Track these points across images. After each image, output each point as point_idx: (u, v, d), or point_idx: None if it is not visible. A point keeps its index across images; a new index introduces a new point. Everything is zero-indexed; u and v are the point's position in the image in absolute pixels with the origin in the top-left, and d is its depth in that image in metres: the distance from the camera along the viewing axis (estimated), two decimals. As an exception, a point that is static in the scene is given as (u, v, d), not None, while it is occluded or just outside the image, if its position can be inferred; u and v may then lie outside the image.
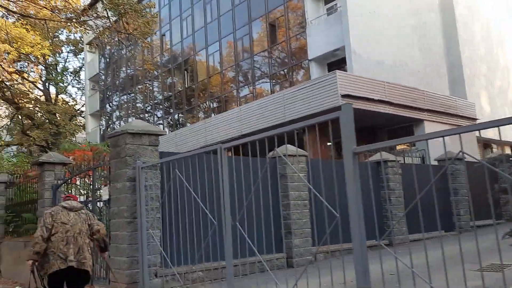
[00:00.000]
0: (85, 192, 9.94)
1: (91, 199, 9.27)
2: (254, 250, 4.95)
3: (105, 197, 7.62)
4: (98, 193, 8.17)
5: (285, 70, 21.72)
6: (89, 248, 5.08)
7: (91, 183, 10.25)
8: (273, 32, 22.21)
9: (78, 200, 5.97)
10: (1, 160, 39.41)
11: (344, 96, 15.06)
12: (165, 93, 31.73)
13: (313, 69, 19.61)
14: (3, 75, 31.68)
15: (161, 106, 32.56)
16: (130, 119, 35.86)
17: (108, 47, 39.00)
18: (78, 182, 10.04)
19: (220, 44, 25.49)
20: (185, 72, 29.52)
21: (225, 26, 24.92)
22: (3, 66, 27.48)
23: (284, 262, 7.66)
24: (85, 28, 16.59)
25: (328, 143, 14.34)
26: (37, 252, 4.80)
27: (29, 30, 26.09)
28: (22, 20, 20.33)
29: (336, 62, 19.49)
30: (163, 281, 6.51)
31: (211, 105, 27.01)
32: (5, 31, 20.84)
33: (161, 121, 32.18)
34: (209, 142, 20.48)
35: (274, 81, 22.16)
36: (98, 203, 8.02)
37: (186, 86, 29.21)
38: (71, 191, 9.67)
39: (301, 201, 8.38)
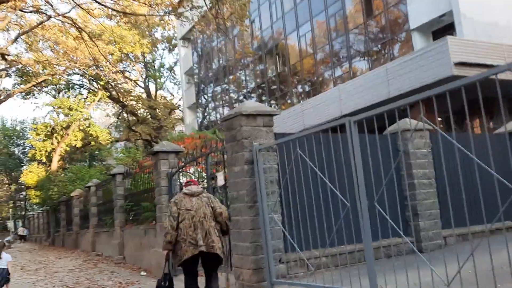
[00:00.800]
0: (197, 179, 10.05)
1: (205, 185, 9.33)
2: (395, 232, 4.41)
3: (220, 182, 7.54)
4: (213, 179, 8.12)
5: (383, 44, 20.39)
6: (216, 230, 5.06)
7: (201, 170, 10.36)
8: (368, 4, 20.94)
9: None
10: (114, 153, 42.80)
11: (457, 64, 13.63)
12: (258, 80, 31.79)
13: (416, 39, 18.10)
14: (109, 76, 34.10)
15: (253, 95, 32.72)
16: (224, 110, 36.66)
17: (200, 40, 40.15)
18: (191, 170, 10.17)
19: (311, 24, 24.74)
20: (277, 57, 29.24)
21: (315, 4, 24.10)
22: (109, 67, 29.51)
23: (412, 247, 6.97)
24: (181, 20, 16.97)
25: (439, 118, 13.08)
26: (170, 242, 4.86)
27: (129, 29, 27.64)
28: (123, 17, 21.46)
29: (441, 29, 17.78)
30: (287, 267, 6.24)
31: (305, 88, 26.46)
32: (111, 32, 22.21)
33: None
34: (307, 125, 20.02)
35: (372, 57, 20.95)
36: (214, 189, 7.97)
37: (278, 71, 28.94)
38: (184, 179, 9.81)
39: (427, 180, 7.58)
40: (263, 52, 30.48)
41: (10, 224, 52.65)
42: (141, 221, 11.16)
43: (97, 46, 19.08)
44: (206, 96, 40.46)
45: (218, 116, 37.39)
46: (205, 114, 40.77)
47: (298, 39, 26.28)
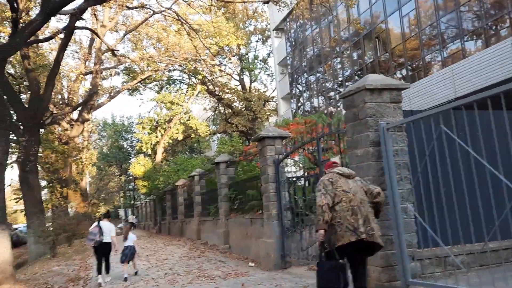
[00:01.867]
0: (306, 165, 9.48)
1: (314, 172, 8.71)
2: None
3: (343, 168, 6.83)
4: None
5: (503, 17, 17.96)
6: (373, 217, 4.49)
7: (308, 156, 9.74)
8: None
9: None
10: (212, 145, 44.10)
11: None
12: (354, 67, 30.32)
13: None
14: (207, 69, 34.93)
15: (347, 83, 31.29)
16: (318, 99, 35.69)
17: (293, 30, 39.54)
18: (296, 158, 9.61)
19: (416, 2, 22.77)
20: (376, 40, 27.55)
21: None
22: (207, 60, 30.16)
23: None
24: (280, 5, 16.50)
25: None
26: (326, 221, 4.30)
27: (226, 22, 27.92)
28: (220, 9, 21.62)
29: None
30: (421, 266, 5.38)
31: (408, 72, 24.54)
32: (210, 24, 22.52)
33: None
34: (414, 109, 18.40)
35: (487, 34, 18.60)
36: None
37: (378, 54, 27.25)
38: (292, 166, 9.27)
39: None
40: (361, 37, 28.94)
41: (121, 212, 57.01)
42: (246, 210, 10.88)
43: (199, 37, 19.22)
44: (300, 86, 39.81)
45: (313, 105, 36.51)
46: (299, 104, 40.16)
47: (400, 20, 24.41)
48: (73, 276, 10.22)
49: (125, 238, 9.70)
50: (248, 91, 41.94)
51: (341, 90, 32.27)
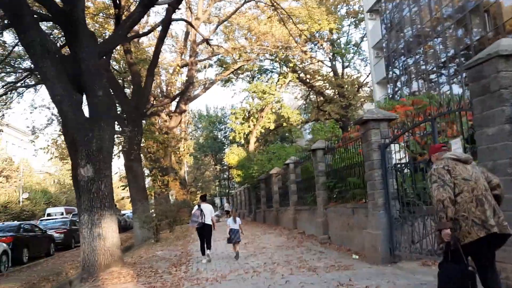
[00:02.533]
0: (415, 150, 8.59)
1: (424, 158, 7.81)
2: None
3: (458, 151, 5.95)
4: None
5: None
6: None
7: (417, 140, 8.83)
8: None
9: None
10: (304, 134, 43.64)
11: None
12: (460, 46, 27.64)
13: None
14: (298, 56, 34.39)
15: (451, 64, 28.64)
16: (418, 82, 33.37)
17: (389, 11, 37.36)
18: (401, 143, 8.73)
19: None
20: (485, 15, 24.80)
21: None
22: (298, 47, 29.60)
23: None
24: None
25: None
26: (451, 218, 3.70)
27: (317, 7, 27.10)
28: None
29: None
30: None
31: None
32: (303, 8, 21.96)
33: (453, 80, 28.36)
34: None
35: None
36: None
37: (488, 30, 24.51)
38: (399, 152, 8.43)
39: None
40: (467, 13, 26.25)
41: (217, 200, 59.06)
42: (347, 199, 10.24)
43: (292, 20, 18.79)
44: (397, 70, 37.55)
45: (412, 89, 34.20)
46: (396, 89, 37.94)
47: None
48: (175, 261, 10.43)
49: (234, 221, 10.45)
50: (340, 77, 40.68)
51: (443, 72, 29.76)
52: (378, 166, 8.17)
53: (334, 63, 42.88)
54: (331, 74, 41.62)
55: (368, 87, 45.43)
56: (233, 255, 10.28)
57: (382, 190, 8.10)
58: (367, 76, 44.83)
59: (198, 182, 59.45)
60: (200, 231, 10.38)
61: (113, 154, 10.60)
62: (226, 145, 57.40)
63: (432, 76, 31.06)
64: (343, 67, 43.42)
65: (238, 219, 10.66)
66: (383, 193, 8.09)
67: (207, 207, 10.57)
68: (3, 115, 20.80)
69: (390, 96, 37.45)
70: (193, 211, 10.66)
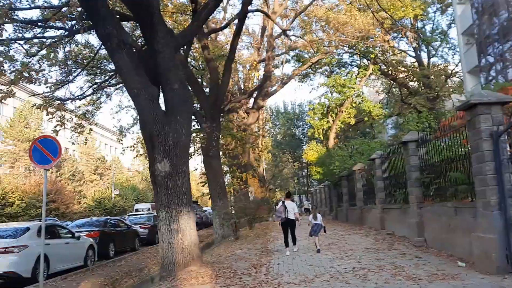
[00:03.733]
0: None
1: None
2: None
3: None
4: None
5: None
6: None
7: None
8: None
9: None
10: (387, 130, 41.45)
11: None
12: None
13: None
14: (379, 47, 32.56)
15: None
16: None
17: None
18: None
19: None
20: None
21: None
22: (379, 38, 27.89)
23: None
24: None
25: None
26: None
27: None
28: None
29: None
30: None
31: None
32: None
33: None
34: None
35: None
36: None
37: None
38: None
39: None
40: None
41: (296, 198, 58.34)
42: (448, 196, 8.95)
43: (375, 11, 17.53)
44: (490, 57, 34.08)
45: (508, 78, 30.79)
46: (489, 78, 34.46)
47: None
48: (255, 261, 9.85)
49: (315, 218, 11.27)
50: (426, 67, 37.95)
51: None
52: (490, 158, 6.91)
53: (418, 52, 40.08)
54: (416, 64, 38.99)
55: (457, 77, 41.95)
56: (314, 249, 10.84)
57: (495, 186, 6.84)
58: (456, 65, 41.43)
59: (277, 180, 59.17)
60: (284, 225, 11.16)
61: (190, 150, 10.23)
62: (304, 142, 56.44)
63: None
64: (429, 57, 40.45)
65: (319, 215, 11.48)
66: (496, 190, 6.83)
67: (290, 204, 11.37)
68: (93, 115, 21.79)
69: (483, 85, 34.20)
70: (277, 207, 11.67)
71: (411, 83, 38.82)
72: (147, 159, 30.15)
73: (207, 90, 22.15)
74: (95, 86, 19.08)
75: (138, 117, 23.77)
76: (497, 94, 7.18)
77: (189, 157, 10.24)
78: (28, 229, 10.81)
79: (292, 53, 33.36)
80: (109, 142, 67.96)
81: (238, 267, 9.18)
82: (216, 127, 17.09)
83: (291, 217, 11.08)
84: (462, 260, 7.80)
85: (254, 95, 25.31)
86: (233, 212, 15.33)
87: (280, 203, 11.41)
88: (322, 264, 8.89)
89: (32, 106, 18.78)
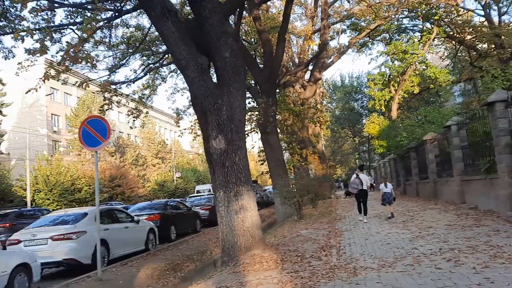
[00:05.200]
0: None
1: None
2: None
3: None
4: None
5: None
6: None
7: None
8: None
9: None
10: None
11: None
12: None
13: None
14: (443, 7, 29.87)
15: None
16: None
17: None
18: None
19: None
20: None
21: None
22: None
23: None
24: None
25: None
26: None
27: None
28: None
29: None
30: None
31: None
32: None
33: None
34: None
35: None
36: None
37: None
38: None
39: None
40: None
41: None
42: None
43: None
44: None
45: None
46: None
47: None
48: (324, 243, 8.98)
49: (386, 186, 12.59)
50: (497, 26, 34.50)
51: None
52: None
53: (488, 10, 36.54)
54: (485, 24, 35.58)
55: (536, 35, 37.84)
56: (386, 218, 11.87)
57: None
58: (533, 22, 37.39)
59: (336, 156, 57.48)
60: (358, 196, 12.50)
61: (247, 128, 9.44)
62: (364, 116, 54.18)
63: None
64: (500, 14, 36.82)
65: (389, 184, 12.77)
66: None
67: (363, 176, 12.74)
68: (149, 98, 21.67)
69: None
70: (351, 179, 12.89)
71: (480, 44, 35.63)
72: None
73: (261, 66, 21.28)
74: (147, 68, 18.78)
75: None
76: None
77: (246, 134, 9.45)
78: (86, 214, 10.59)
79: (348, 22, 31.54)
80: (168, 127, 69.32)
81: (305, 250, 8.37)
82: (273, 101, 16.21)
83: (365, 188, 12.44)
84: None
85: (310, 67, 24.08)
86: (294, 190, 14.50)
87: (354, 176, 12.73)
88: (401, 245, 7.85)
89: (92, 93, 18.90)
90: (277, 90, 18.58)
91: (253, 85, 18.57)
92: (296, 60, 27.33)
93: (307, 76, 26.66)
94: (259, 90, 17.19)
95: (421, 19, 33.90)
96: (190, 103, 24.78)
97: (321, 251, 8.19)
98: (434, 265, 6.06)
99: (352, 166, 62.12)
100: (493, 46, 33.89)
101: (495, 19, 36.29)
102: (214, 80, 9.19)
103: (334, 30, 30.87)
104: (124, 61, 18.51)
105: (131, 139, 53.99)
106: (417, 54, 31.82)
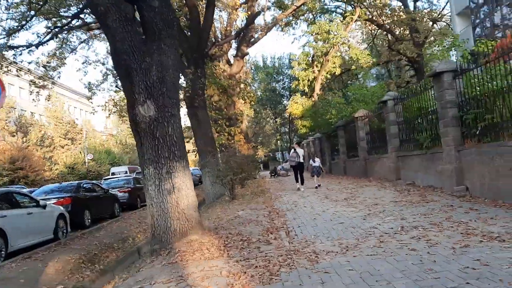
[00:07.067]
0: None
1: None
2: None
3: None
4: None
5: None
6: None
7: None
8: None
9: None
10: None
11: None
12: None
13: None
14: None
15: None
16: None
17: None
18: None
19: None
20: None
21: None
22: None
23: None
24: None
25: None
26: None
27: None
28: None
29: None
30: None
31: None
32: None
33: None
34: None
35: None
36: None
37: None
38: None
39: None
40: None
41: (278, 155, 56.79)
42: (507, 134, 7.19)
43: None
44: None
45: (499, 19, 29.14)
46: (476, 21, 32.74)
47: None
48: (268, 225, 8.01)
49: (314, 161, 15.01)
50: (412, 11, 35.95)
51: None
52: None
53: (403, -6, 37.84)
54: (402, 8, 36.90)
55: (444, 21, 40.12)
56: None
57: None
58: (442, 8, 39.66)
59: (258, 137, 57.27)
60: (295, 168, 14.48)
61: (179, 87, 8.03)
62: (286, 97, 54.38)
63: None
64: (415, 0, 38.50)
65: (317, 159, 15.46)
66: None
67: (300, 151, 14.58)
68: (55, 69, 19.10)
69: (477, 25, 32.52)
70: (290, 154, 15.12)
71: (397, 29, 36.95)
72: (121, 118, 27.73)
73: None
74: (53, 32, 16.33)
75: (107, 72, 21.30)
76: None
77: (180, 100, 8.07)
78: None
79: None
80: (78, 106, 64.27)
81: (250, 233, 7.32)
82: (201, 72, 14.82)
83: (301, 160, 14.33)
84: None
85: (236, 43, 22.90)
86: (228, 168, 13.36)
87: (292, 151, 14.61)
88: (356, 223, 7.12)
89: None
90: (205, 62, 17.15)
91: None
92: (223, 34, 25.98)
93: (231, 53, 25.52)
94: (186, 61, 15.69)
95: (345, 1, 34.23)
96: (104, 77, 22.53)
97: (268, 233, 7.20)
98: (405, 246, 5.32)
99: (273, 148, 62.46)
100: (409, 30, 35.27)
101: (412, 5, 37.96)
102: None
103: (260, 6, 29.93)
104: (25, 23, 15.97)
105: (35, 118, 48.95)
106: (340, 35, 32.01)
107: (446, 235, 5.62)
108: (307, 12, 34.78)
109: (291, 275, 4.74)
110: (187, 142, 19.44)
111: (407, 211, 7.71)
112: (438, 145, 9.74)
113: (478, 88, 8.32)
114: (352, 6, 33.72)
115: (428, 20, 36.61)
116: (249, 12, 21.41)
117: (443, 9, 40.01)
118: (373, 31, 40.69)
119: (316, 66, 34.73)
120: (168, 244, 6.84)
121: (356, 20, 35.14)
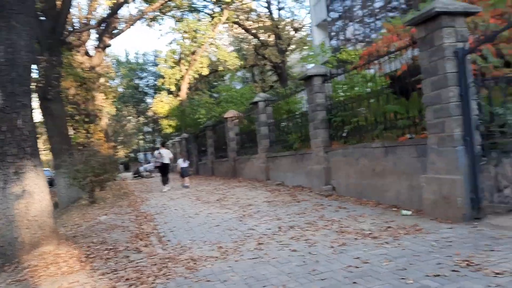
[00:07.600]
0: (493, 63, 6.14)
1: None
2: None
3: None
4: None
5: None
6: None
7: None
8: None
9: None
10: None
11: None
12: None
13: None
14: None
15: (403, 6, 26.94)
16: (352, 27, 31.67)
17: None
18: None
19: None
20: None
21: None
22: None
23: None
24: None
25: None
26: None
27: None
28: None
29: None
30: None
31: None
32: None
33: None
34: None
35: None
36: None
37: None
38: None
39: None
40: None
41: (141, 156, 54.48)
42: (373, 136, 7.69)
43: None
44: (335, 13, 35.40)
45: (351, 33, 32.37)
46: (332, 34, 36.00)
47: None
48: (137, 231, 7.28)
49: (184, 162, 15.10)
50: (276, 19, 37.90)
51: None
52: (454, 82, 5.62)
53: (269, 4, 39.73)
54: (268, 14, 38.70)
55: (304, 31, 43.11)
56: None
57: (459, 116, 5.61)
58: (303, 19, 42.58)
59: (119, 136, 54.18)
60: (161, 169, 14.32)
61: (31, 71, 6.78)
62: (150, 95, 52.52)
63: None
64: (279, 9, 40.71)
65: (186, 161, 15.65)
66: (461, 121, 5.60)
67: (165, 151, 14.56)
68: None
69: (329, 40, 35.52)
70: (155, 154, 14.92)
71: (262, 34, 38.57)
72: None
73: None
74: None
75: None
76: (464, 4, 5.83)
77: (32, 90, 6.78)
78: None
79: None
80: None
81: (116, 241, 6.53)
82: (57, 61, 13.15)
83: (167, 161, 14.33)
84: (401, 208, 6.61)
85: (98, 33, 21.11)
86: (88, 168, 12.00)
87: (157, 151, 14.51)
88: (232, 226, 6.86)
89: None
90: (62, 50, 15.32)
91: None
92: (78, 25, 23.76)
93: (90, 43, 23.52)
94: (40, 45, 13.78)
95: (213, 1, 34.32)
96: None
97: (138, 240, 6.52)
98: (285, 247, 5.21)
99: (134, 148, 59.78)
100: (275, 36, 37.12)
101: (276, 12, 40.00)
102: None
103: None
104: None
105: None
106: (208, 35, 31.98)
107: (323, 233, 5.68)
108: (175, 8, 34.02)
109: (169, 286, 4.23)
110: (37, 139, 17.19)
111: (281, 210, 7.74)
112: (307, 147, 10.09)
113: (343, 94, 8.80)
114: (220, 7, 34.01)
115: (290, 28, 39.04)
116: (114, 1, 19.90)
117: (303, 19, 42.90)
118: (240, 35, 41.79)
119: (184, 64, 34.14)
120: (15, 258, 5.70)
121: (224, 22, 35.62)
